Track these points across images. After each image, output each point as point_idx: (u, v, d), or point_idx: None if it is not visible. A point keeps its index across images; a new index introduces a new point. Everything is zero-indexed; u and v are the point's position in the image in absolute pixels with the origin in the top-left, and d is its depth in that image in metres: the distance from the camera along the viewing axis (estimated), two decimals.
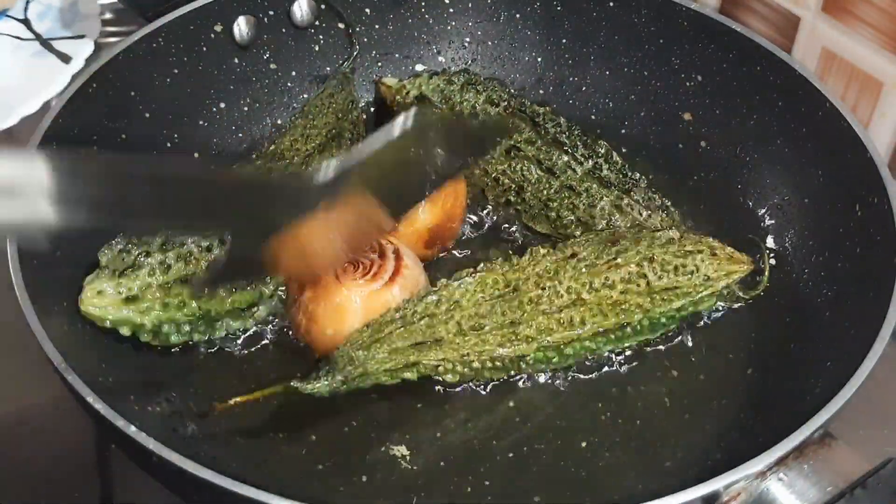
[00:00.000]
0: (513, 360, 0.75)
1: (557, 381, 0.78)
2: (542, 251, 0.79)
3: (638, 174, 0.87)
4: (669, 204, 0.86)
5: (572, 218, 0.85)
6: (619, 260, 0.77)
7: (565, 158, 0.87)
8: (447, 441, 0.75)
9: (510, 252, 0.80)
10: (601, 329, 0.76)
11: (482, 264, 0.78)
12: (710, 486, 0.60)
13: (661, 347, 0.80)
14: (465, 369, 0.75)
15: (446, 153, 0.73)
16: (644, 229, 0.82)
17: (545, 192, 0.86)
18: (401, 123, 0.69)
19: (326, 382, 0.72)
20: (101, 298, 0.73)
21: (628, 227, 0.83)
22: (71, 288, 0.75)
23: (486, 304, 0.75)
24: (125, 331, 0.75)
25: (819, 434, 0.63)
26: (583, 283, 0.76)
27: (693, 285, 0.78)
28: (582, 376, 0.78)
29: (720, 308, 0.82)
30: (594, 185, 0.86)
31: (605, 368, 0.78)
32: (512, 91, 0.93)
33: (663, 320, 0.78)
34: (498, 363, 0.75)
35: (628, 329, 0.77)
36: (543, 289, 0.76)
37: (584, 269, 0.76)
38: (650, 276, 0.77)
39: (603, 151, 0.88)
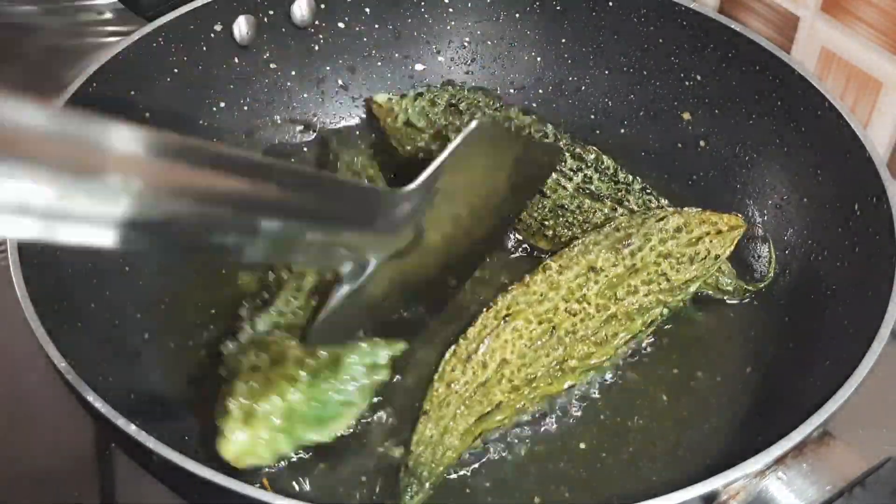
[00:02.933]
0: (560, 391, 0.76)
1: None
2: (555, 266, 0.79)
3: (630, 176, 0.87)
4: (666, 204, 0.86)
5: (569, 234, 0.85)
6: (637, 263, 0.78)
7: (553, 176, 0.86)
8: None
9: (525, 275, 0.79)
10: (631, 335, 0.77)
11: (501, 301, 0.77)
12: (710, 484, 0.60)
13: (661, 346, 0.80)
14: (519, 415, 0.75)
15: (514, 169, 0.74)
16: (644, 215, 0.82)
17: (539, 212, 0.86)
18: (463, 134, 0.69)
19: (420, 497, 0.69)
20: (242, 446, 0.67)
21: (628, 214, 0.83)
22: (71, 287, 0.75)
23: (529, 353, 0.74)
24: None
25: (818, 433, 0.63)
26: (609, 297, 0.77)
27: (707, 268, 0.80)
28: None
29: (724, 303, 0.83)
30: (586, 201, 0.85)
31: (605, 368, 0.79)
32: (498, 103, 0.92)
33: (681, 304, 0.81)
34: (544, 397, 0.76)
35: (653, 326, 0.79)
36: (575, 314, 0.76)
37: (606, 282, 0.77)
38: (669, 273, 0.78)
39: (592, 158, 0.87)
